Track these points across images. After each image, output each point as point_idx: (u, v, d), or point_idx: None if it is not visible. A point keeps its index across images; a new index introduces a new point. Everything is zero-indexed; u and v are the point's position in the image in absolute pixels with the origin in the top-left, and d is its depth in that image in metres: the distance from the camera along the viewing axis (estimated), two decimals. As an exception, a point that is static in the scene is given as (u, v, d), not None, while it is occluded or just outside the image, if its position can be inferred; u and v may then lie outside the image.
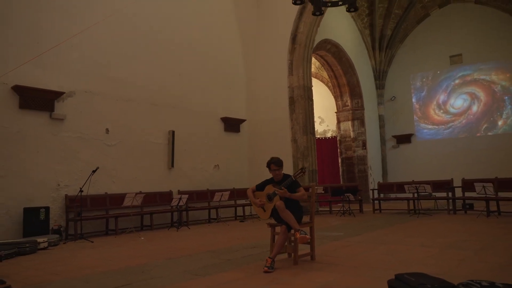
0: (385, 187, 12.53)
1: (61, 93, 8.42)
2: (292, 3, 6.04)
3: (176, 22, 11.04)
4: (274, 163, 4.74)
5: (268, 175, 4.97)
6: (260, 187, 4.91)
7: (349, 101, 17.39)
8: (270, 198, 4.68)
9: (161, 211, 9.66)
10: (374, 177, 17.30)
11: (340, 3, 5.93)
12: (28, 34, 8.06)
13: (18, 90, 7.77)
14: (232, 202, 11.45)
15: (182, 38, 11.18)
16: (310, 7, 11.55)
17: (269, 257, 4.31)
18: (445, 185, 10.62)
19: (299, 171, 4.71)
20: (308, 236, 4.42)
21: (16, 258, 5.93)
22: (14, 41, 7.85)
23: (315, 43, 13.47)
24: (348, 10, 6.28)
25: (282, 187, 4.54)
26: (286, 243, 4.67)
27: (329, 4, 6.20)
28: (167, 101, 10.64)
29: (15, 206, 7.57)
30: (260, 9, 13.75)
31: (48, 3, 8.40)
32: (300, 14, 12.53)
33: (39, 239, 6.68)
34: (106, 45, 9.38)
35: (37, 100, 8.07)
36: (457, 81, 17.44)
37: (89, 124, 8.96)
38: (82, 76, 8.88)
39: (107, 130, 9.29)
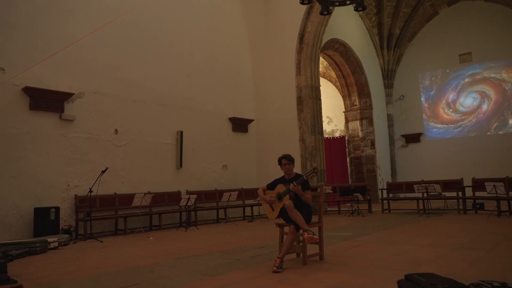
0: (394, 187, 12.45)
1: (71, 94, 8.49)
2: (300, 2, 6.03)
3: (184, 24, 11.09)
4: (285, 158, 4.82)
5: (276, 174, 4.95)
6: (271, 186, 4.91)
7: (357, 100, 17.31)
8: (280, 197, 4.67)
9: (170, 211, 9.70)
10: (383, 177, 17.22)
11: (348, 2, 5.91)
12: (38, 35, 8.14)
13: (29, 91, 7.85)
14: (241, 202, 11.47)
15: (191, 39, 11.23)
16: (317, 7, 11.53)
17: (278, 257, 4.30)
18: (455, 185, 10.53)
19: (311, 171, 4.68)
20: (316, 237, 4.40)
21: (27, 257, 6.00)
22: (24, 43, 7.93)
23: (323, 42, 13.45)
24: (356, 9, 6.26)
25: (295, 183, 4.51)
26: (294, 243, 4.66)
27: (337, 4, 6.19)
28: (175, 101, 10.69)
29: (25, 206, 7.66)
30: (267, 9, 13.75)
31: (57, 5, 8.48)
32: (308, 13, 12.51)
33: (50, 239, 6.76)
34: (115, 47, 9.45)
35: (47, 101, 8.15)
36: (466, 80, 17.29)
37: (98, 125, 9.03)
38: (91, 77, 8.95)
39: (116, 131, 9.35)
